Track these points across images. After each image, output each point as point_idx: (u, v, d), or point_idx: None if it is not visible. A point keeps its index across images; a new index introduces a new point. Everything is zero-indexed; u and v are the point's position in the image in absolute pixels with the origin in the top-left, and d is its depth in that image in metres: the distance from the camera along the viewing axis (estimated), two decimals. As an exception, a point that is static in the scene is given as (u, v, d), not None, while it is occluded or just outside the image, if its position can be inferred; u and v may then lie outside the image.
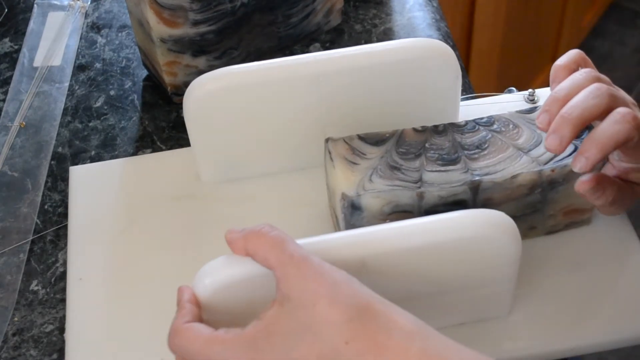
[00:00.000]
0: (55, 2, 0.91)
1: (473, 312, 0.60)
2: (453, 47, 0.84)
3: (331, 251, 0.52)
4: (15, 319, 0.65)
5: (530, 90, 0.76)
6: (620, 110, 0.54)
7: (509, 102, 0.75)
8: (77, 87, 0.83)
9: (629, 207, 0.61)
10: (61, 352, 0.63)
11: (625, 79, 2.04)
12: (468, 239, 0.54)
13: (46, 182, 0.75)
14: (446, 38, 0.86)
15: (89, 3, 0.91)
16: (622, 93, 0.57)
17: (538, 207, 0.62)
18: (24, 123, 0.80)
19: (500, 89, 0.78)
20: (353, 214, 0.59)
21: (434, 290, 0.57)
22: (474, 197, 0.59)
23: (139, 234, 0.68)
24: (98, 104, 0.82)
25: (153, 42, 0.75)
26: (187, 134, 0.68)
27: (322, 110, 0.67)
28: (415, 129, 0.62)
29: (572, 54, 0.59)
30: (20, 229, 0.71)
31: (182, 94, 0.68)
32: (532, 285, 0.63)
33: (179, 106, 0.80)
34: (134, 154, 0.77)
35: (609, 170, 0.60)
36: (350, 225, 0.60)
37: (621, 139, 0.53)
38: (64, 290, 0.66)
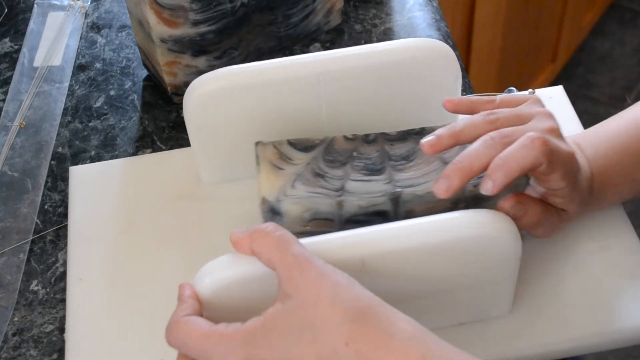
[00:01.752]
0: (55, 2, 0.91)
1: (473, 312, 0.60)
2: (453, 47, 0.84)
3: (331, 251, 0.52)
4: (15, 319, 0.65)
5: (530, 90, 0.76)
6: (531, 134, 0.54)
7: (509, 102, 0.75)
8: (77, 87, 0.83)
9: (558, 232, 0.61)
10: (61, 352, 0.63)
11: (625, 79, 2.04)
12: (468, 239, 0.54)
13: (46, 182, 0.75)
14: (446, 38, 0.86)
15: (89, 3, 0.91)
16: (525, 129, 0.56)
17: None
18: (24, 123, 0.80)
19: (500, 89, 0.78)
20: (273, 219, 0.58)
21: (434, 290, 0.57)
22: (395, 208, 0.58)
23: (139, 234, 0.68)
24: (98, 104, 0.82)
25: (153, 42, 0.75)
26: (187, 134, 0.68)
27: (322, 110, 0.67)
28: (346, 137, 0.62)
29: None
30: (20, 229, 0.71)
31: (182, 94, 0.68)
32: (532, 285, 0.63)
33: (179, 106, 0.80)
34: (134, 154, 0.77)
35: (531, 191, 0.60)
36: None
37: (528, 164, 0.53)
38: (64, 290, 0.66)
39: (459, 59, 0.68)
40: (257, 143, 0.61)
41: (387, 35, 0.86)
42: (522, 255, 0.57)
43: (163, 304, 0.60)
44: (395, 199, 0.58)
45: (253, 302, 0.51)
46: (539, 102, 0.60)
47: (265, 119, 0.66)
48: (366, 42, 0.85)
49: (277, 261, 0.48)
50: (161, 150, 0.77)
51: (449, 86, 0.67)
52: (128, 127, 0.79)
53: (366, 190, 0.58)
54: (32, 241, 0.70)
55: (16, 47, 0.87)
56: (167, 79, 0.78)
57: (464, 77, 0.75)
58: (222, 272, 0.51)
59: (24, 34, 0.88)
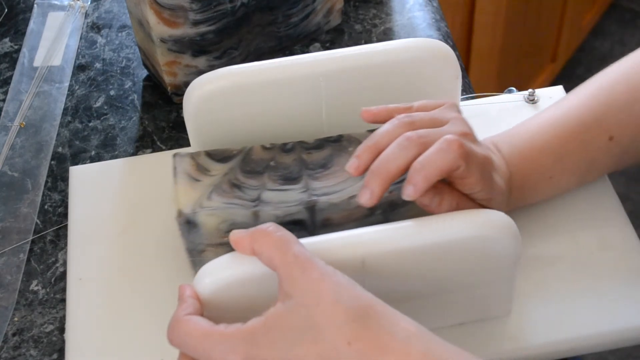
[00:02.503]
0: (55, 2, 0.91)
1: (473, 312, 0.60)
2: (453, 47, 0.84)
3: (331, 251, 0.52)
4: (15, 319, 0.65)
5: (530, 90, 0.76)
6: (447, 137, 0.54)
7: (509, 102, 0.75)
8: (77, 87, 0.83)
9: None
10: (61, 352, 0.63)
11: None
12: (468, 239, 0.54)
13: (46, 182, 0.75)
14: (446, 38, 0.86)
15: (89, 3, 0.91)
16: (441, 131, 0.56)
17: None
18: (24, 123, 0.80)
19: (500, 89, 0.78)
20: (190, 231, 0.58)
21: (434, 290, 0.57)
22: (311, 217, 0.58)
23: (139, 234, 0.68)
24: (98, 104, 0.82)
25: (153, 42, 0.75)
26: (187, 134, 0.68)
27: (322, 111, 0.67)
28: (263, 147, 0.62)
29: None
30: (20, 229, 0.71)
31: (182, 94, 0.68)
32: (532, 285, 0.63)
33: (179, 106, 0.80)
34: (134, 154, 0.77)
35: None
36: (189, 242, 0.59)
37: (446, 168, 0.53)
38: (64, 290, 0.66)
39: (459, 59, 0.68)
40: (175, 155, 0.61)
41: (387, 35, 0.86)
42: (522, 255, 0.57)
43: (163, 304, 0.60)
44: (311, 208, 0.58)
45: (253, 302, 0.51)
46: (454, 107, 0.60)
47: (265, 119, 0.66)
48: (366, 42, 0.85)
49: (278, 261, 0.48)
50: (161, 150, 0.77)
51: (449, 86, 0.67)
52: (128, 127, 0.79)
53: (282, 199, 0.58)
54: (32, 241, 0.70)
55: (16, 47, 0.87)
56: (167, 79, 0.78)
57: (464, 77, 0.75)
58: (222, 272, 0.51)
59: (24, 34, 0.88)
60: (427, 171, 0.53)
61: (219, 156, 0.61)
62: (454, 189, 0.57)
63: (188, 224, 0.58)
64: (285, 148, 0.61)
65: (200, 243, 0.59)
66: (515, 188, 0.62)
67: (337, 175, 0.59)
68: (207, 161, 0.60)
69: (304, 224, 0.58)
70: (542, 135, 0.63)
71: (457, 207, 0.57)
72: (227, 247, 0.59)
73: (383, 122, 0.58)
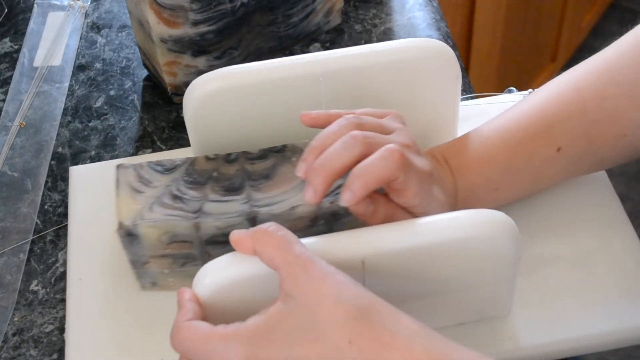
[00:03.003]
0: (55, 2, 0.91)
1: (473, 312, 0.60)
2: (453, 47, 0.84)
3: (331, 251, 0.52)
4: (15, 319, 0.65)
5: (530, 90, 0.76)
6: (389, 146, 0.53)
7: (509, 102, 0.75)
8: (77, 87, 0.83)
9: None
10: (61, 352, 0.63)
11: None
12: (468, 239, 0.54)
13: (46, 182, 0.75)
14: (446, 38, 0.86)
15: (89, 3, 0.91)
16: (386, 138, 0.56)
17: None
18: (24, 123, 0.80)
19: (500, 89, 0.78)
20: (132, 243, 0.58)
21: (434, 290, 0.57)
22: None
23: (139, 234, 0.68)
24: (98, 104, 0.82)
25: (153, 42, 0.75)
26: (187, 134, 0.68)
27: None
28: (207, 157, 0.62)
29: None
30: (20, 229, 0.71)
31: (182, 94, 0.68)
32: (532, 285, 0.63)
33: (179, 106, 0.80)
34: (134, 154, 0.77)
35: None
36: (132, 254, 0.59)
37: (385, 177, 0.53)
38: (64, 290, 0.66)
39: (459, 59, 0.68)
40: (118, 166, 0.61)
41: (387, 35, 0.86)
42: (522, 255, 0.57)
43: (163, 304, 0.60)
44: (253, 219, 0.57)
45: (253, 302, 0.51)
46: (399, 118, 0.60)
47: (265, 119, 0.66)
48: (366, 42, 0.85)
49: (279, 261, 0.48)
50: (161, 150, 0.77)
51: (449, 86, 0.67)
52: (128, 127, 0.79)
53: (223, 211, 0.58)
54: (32, 241, 0.70)
55: (16, 47, 0.87)
56: (167, 79, 0.78)
57: (464, 77, 0.75)
58: (221, 273, 0.51)
59: (24, 34, 0.88)
60: (365, 178, 0.52)
61: (163, 167, 0.61)
62: (390, 200, 0.57)
63: (129, 236, 0.58)
64: (228, 159, 0.61)
65: (142, 255, 0.59)
66: (461, 199, 0.62)
67: (279, 186, 0.59)
68: (150, 172, 0.60)
69: None
70: (489, 147, 0.62)
71: (392, 219, 0.56)
72: (170, 259, 0.59)
73: (322, 126, 0.57)
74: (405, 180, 0.54)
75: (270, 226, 0.49)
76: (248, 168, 0.61)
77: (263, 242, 0.49)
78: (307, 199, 0.53)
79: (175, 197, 0.58)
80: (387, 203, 0.56)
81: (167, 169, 0.61)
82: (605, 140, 0.62)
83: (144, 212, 0.58)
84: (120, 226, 0.58)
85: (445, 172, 0.62)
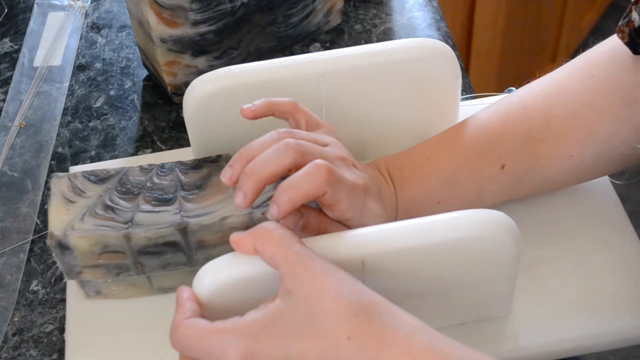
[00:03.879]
0: (55, 2, 0.91)
1: (473, 312, 0.60)
2: (453, 47, 0.84)
3: (331, 251, 0.52)
4: (15, 319, 0.65)
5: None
6: (317, 162, 0.53)
7: (509, 102, 0.75)
8: (77, 87, 0.83)
9: None
10: (61, 352, 0.63)
11: None
12: (468, 239, 0.54)
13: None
14: (446, 38, 0.86)
15: (89, 3, 0.91)
16: (320, 149, 0.56)
17: None
18: (24, 123, 0.80)
19: (500, 89, 0.78)
20: (64, 253, 0.58)
21: (434, 290, 0.57)
22: (184, 239, 0.58)
23: (139, 234, 0.68)
24: (98, 104, 0.82)
25: (153, 42, 0.75)
26: (187, 134, 0.68)
27: (322, 110, 0.66)
28: (141, 167, 0.61)
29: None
30: (20, 229, 0.71)
31: (182, 94, 0.68)
32: (532, 285, 0.63)
33: (179, 106, 0.80)
34: (134, 154, 0.77)
35: None
36: (64, 264, 0.59)
37: (312, 192, 0.53)
38: (64, 290, 0.66)
39: (459, 59, 0.68)
40: (52, 176, 0.61)
41: (387, 35, 0.86)
42: (522, 255, 0.57)
43: (163, 304, 0.60)
44: (183, 230, 0.57)
45: (253, 302, 0.51)
46: (334, 132, 0.60)
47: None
48: (366, 42, 0.85)
49: (280, 258, 0.48)
50: (161, 150, 0.77)
51: (449, 86, 0.67)
52: (128, 127, 0.79)
53: (154, 221, 0.58)
54: (32, 241, 0.70)
55: (16, 47, 0.87)
56: (167, 79, 0.78)
57: (464, 77, 0.75)
58: (221, 273, 0.51)
59: (24, 34, 0.88)
60: (291, 193, 0.52)
61: (96, 177, 0.61)
62: (322, 214, 0.57)
63: (60, 247, 0.58)
64: (162, 168, 0.61)
65: (75, 265, 0.59)
66: (402, 211, 0.62)
67: (212, 197, 0.59)
68: (84, 182, 0.60)
69: (179, 245, 0.58)
70: (433, 161, 0.62)
71: (325, 232, 0.56)
72: (103, 269, 0.59)
73: (265, 115, 0.58)
74: (334, 195, 0.54)
75: (270, 224, 0.49)
76: (182, 178, 0.61)
77: (263, 240, 0.49)
78: (237, 203, 0.53)
79: (107, 207, 0.58)
80: (319, 216, 0.56)
81: (101, 179, 0.60)
82: (551, 160, 0.62)
83: (75, 222, 0.58)
84: (51, 236, 0.57)
85: (386, 184, 0.61)
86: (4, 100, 0.82)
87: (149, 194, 0.60)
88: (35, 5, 0.91)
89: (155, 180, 0.60)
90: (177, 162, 0.62)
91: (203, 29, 0.75)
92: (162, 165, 0.62)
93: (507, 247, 0.55)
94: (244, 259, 0.51)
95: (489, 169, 0.62)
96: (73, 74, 0.84)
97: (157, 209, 0.59)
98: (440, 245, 0.53)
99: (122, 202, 0.59)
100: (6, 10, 0.91)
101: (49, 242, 0.58)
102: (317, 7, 0.83)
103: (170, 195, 0.59)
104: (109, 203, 0.59)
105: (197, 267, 0.52)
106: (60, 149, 0.78)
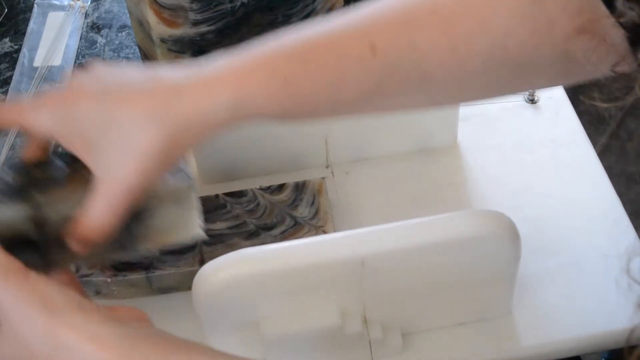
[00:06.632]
0: (55, 2, 0.91)
1: (473, 312, 0.60)
2: (453, 47, 0.83)
3: (331, 251, 0.52)
4: (15, 319, 0.65)
5: (529, 90, 0.76)
6: None
7: (509, 102, 0.75)
8: (77, 87, 0.83)
9: None
10: (61, 352, 0.63)
11: (625, 79, 2.04)
12: (468, 239, 0.54)
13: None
14: (446, 38, 0.86)
15: (89, 3, 0.91)
16: None
17: None
18: (24, 123, 0.80)
19: (500, 89, 0.78)
20: None
21: (434, 290, 0.57)
22: None
23: (139, 234, 0.68)
24: (98, 104, 0.81)
25: (153, 42, 0.75)
26: (187, 134, 0.68)
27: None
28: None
29: None
30: (20, 229, 0.71)
31: (182, 94, 0.68)
32: (532, 285, 0.63)
33: (179, 106, 0.80)
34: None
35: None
36: None
37: None
38: (64, 290, 0.66)
39: (459, 59, 0.67)
40: None
41: (387, 35, 0.86)
42: (522, 255, 0.57)
43: (162, 304, 0.60)
44: None
45: (253, 302, 0.51)
46: None
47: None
48: (366, 42, 0.85)
49: None
50: (161, 150, 0.77)
51: (449, 86, 0.67)
52: (128, 127, 0.79)
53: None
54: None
55: (16, 47, 0.87)
56: (167, 79, 0.78)
57: (464, 77, 0.75)
58: (221, 272, 0.51)
59: (24, 34, 0.88)
60: None
61: None
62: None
63: None
64: None
65: None
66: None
67: None
68: None
69: None
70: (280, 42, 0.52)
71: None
72: None
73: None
74: None
75: None
76: None
77: None
78: None
79: None
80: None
81: None
82: (432, 50, 0.51)
83: None
84: None
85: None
86: (4, 100, 0.82)
87: None
88: (35, 5, 0.91)
89: None
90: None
91: (203, 29, 0.75)
92: None
93: (507, 247, 0.55)
94: (245, 259, 0.51)
95: (356, 50, 0.50)
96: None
97: None
98: (440, 245, 0.53)
99: None
100: (6, 10, 0.91)
101: None
102: (317, 7, 0.83)
103: None
104: None
105: None
106: (60, 149, 0.78)
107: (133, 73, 0.49)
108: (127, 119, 0.47)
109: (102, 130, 0.47)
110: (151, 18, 0.72)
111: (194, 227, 0.50)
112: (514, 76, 0.53)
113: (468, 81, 0.53)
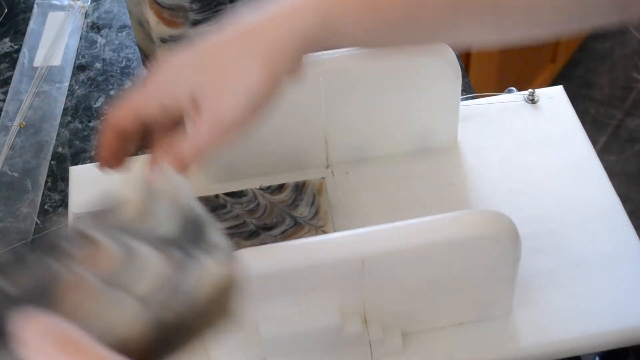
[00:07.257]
0: (55, 2, 0.91)
1: (473, 312, 0.60)
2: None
3: (331, 251, 0.52)
4: (15, 319, 0.65)
5: (530, 90, 0.76)
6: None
7: (509, 102, 0.75)
8: (77, 87, 0.83)
9: None
10: (61, 352, 0.63)
11: (625, 79, 2.04)
12: (468, 239, 0.54)
13: (46, 182, 0.75)
14: (446, 38, 0.86)
15: (89, 3, 0.91)
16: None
17: None
18: (24, 123, 0.80)
19: (500, 89, 0.78)
20: None
21: (434, 290, 0.57)
22: None
23: (139, 234, 0.68)
24: (98, 104, 0.81)
25: (153, 42, 0.75)
26: (187, 134, 0.68)
27: (323, 111, 0.67)
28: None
29: None
30: (20, 229, 0.71)
31: (182, 94, 0.68)
32: (532, 285, 0.63)
33: (179, 106, 0.80)
34: (134, 154, 0.77)
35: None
36: None
37: None
38: (64, 290, 0.66)
39: (459, 59, 0.68)
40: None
41: (387, 35, 0.86)
42: (522, 255, 0.57)
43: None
44: None
45: (254, 301, 0.51)
46: None
47: (265, 119, 0.66)
48: (366, 42, 0.85)
49: None
50: (161, 150, 0.77)
51: (449, 86, 0.67)
52: (128, 127, 0.79)
53: None
54: (32, 241, 0.70)
55: (16, 47, 0.87)
56: (167, 79, 0.78)
57: (464, 77, 0.75)
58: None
59: (24, 34, 0.88)
60: None
61: None
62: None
63: None
64: None
65: None
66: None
67: None
68: None
69: None
70: None
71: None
72: None
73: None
74: None
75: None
76: None
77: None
78: None
79: None
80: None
81: None
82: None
83: None
84: None
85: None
86: (4, 100, 0.82)
87: None
88: (35, 5, 0.91)
89: None
90: None
91: (203, 29, 0.75)
92: None
93: (507, 247, 0.55)
94: (255, 257, 0.51)
95: None
96: (73, 74, 0.84)
97: None
98: (440, 245, 0.53)
99: None
100: (6, 10, 0.91)
101: None
102: (317, 7, 0.83)
103: None
104: None
105: None
106: (60, 149, 0.78)
107: (221, 32, 0.53)
108: (231, 61, 0.51)
109: (214, 74, 0.52)
110: (151, 18, 0.72)
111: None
112: (579, 7, 0.55)
113: (535, 14, 0.57)
